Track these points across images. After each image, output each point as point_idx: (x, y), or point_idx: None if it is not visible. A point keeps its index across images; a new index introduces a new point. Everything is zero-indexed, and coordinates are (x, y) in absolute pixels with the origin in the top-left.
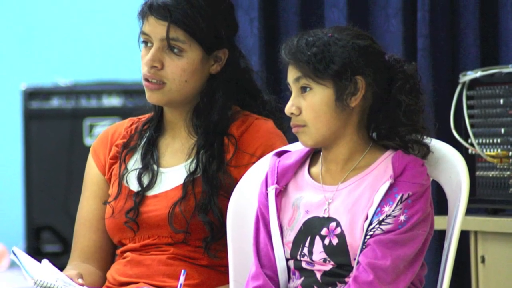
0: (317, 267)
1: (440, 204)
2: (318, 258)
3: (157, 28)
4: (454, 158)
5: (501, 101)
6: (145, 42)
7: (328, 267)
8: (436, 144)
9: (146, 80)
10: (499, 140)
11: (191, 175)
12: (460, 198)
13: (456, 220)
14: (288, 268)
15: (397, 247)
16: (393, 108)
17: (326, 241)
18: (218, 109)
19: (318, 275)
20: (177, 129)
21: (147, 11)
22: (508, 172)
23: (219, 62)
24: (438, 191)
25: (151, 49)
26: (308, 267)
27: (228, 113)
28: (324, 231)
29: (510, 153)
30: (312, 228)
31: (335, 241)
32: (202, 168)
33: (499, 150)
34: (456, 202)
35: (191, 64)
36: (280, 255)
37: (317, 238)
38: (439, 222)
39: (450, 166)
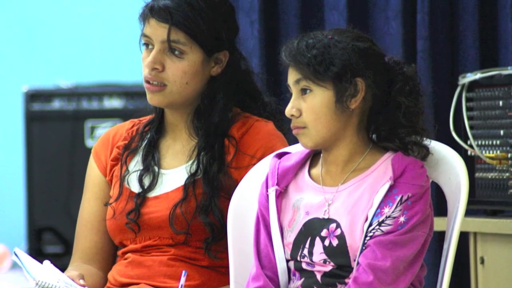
0: (317, 268)
1: (440, 205)
2: (318, 259)
3: (158, 30)
4: (454, 159)
5: (500, 103)
6: (146, 44)
7: (328, 268)
8: (436, 146)
9: (147, 82)
10: (498, 142)
11: (191, 176)
12: (460, 199)
13: (456, 221)
14: (289, 269)
15: (397, 248)
16: (392, 110)
17: (326, 242)
18: (219, 111)
19: (318, 276)
20: (178, 131)
21: (148, 14)
22: (507, 174)
23: (220, 64)
24: (437, 192)
25: (152, 51)
26: (308, 268)
27: (228, 115)
28: (324, 232)
29: (509, 155)
30: (312, 229)
31: (335, 242)
32: (203, 170)
33: (498, 151)
34: (456, 204)
35: (192, 66)
36: (281, 256)
37: (317, 239)
38: (438, 223)
39: (450, 168)
